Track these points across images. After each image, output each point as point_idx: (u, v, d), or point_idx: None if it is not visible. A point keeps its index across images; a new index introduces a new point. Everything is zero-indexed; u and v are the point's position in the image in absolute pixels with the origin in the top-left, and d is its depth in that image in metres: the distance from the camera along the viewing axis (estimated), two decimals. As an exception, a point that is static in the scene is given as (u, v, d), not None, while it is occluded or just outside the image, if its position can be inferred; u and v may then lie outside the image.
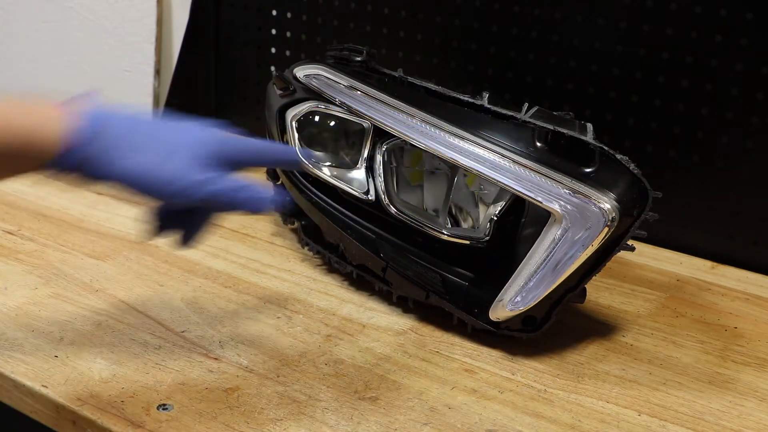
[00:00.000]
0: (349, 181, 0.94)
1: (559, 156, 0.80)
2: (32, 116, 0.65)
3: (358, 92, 0.92)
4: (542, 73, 1.14)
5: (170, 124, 0.70)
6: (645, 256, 1.06)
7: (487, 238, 0.88)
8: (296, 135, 0.97)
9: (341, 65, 0.99)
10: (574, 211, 0.78)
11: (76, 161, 0.65)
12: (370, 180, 0.92)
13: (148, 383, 0.76)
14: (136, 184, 0.66)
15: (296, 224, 1.03)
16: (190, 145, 0.67)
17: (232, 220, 1.11)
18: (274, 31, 1.40)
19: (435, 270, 0.89)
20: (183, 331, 0.85)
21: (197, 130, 0.70)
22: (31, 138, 0.64)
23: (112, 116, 0.67)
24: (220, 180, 0.68)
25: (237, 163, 0.70)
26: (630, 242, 0.81)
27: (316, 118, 0.98)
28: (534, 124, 0.81)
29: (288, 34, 1.38)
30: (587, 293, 0.85)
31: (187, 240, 0.74)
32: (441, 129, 0.84)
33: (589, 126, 0.83)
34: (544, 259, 0.79)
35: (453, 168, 0.93)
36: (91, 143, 0.65)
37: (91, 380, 0.76)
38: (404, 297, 0.90)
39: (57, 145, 0.64)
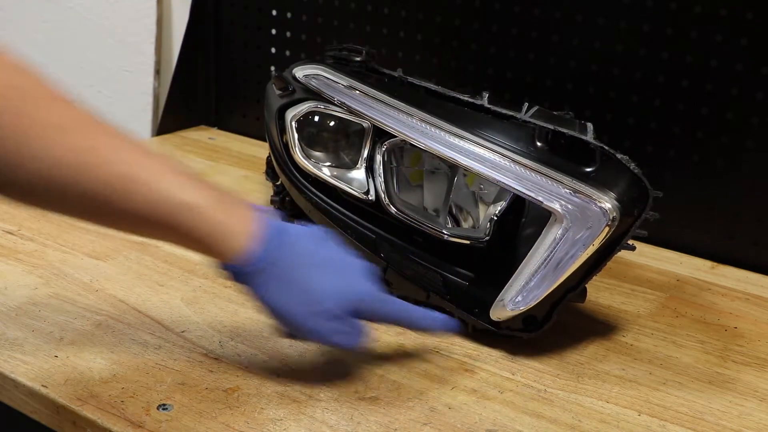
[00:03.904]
0: (349, 181, 0.94)
1: (560, 156, 0.79)
2: (225, 224, 0.69)
3: (358, 92, 0.92)
4: (542, 73, 1.14)
5: (324, 269, 0.74)
6: (645, 256, 1.06)
7: (488, 237, 0.88)
8: (296, 135, 0.97)
9: (341, 65, 0.99)
10: (575, 211, 0.78)
11: (241, 275, 0.71)
12: (370, 180, 0.92)
13: (148, 383, 0.76)
14: (280, 318, 0.73)
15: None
16: (326, 298, 0.73)
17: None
18: (274, 31, 1.40)
19: (435, 270, 0.89)
20: (183, 331, 0.85)
21: (345, 285, 0.74)
22: (217, 243, 0.70)
23: (282, 245, 0.72)
24: (348, 331, 0.75)
25: (374, 319, 0.77)
26: (630, 242, 0.81)
27: (316, 118, 0.98)
28: (534, 123, 0.81)
29: (288, 34, 1.38)
30: (587, 293, 0.85)
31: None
32: (441, 129, 0.84)
33: (590, 126, 0.83)
34: (545, 259, 0.79)
35: (453, 168, 0.93)
36: (261, 271, 0.71)
37: (91, 380, 0.76)
38: (404, 297, 0.90)
39: (235, 258, 0.70)
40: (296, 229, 0.74)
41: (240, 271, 0.71)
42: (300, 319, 0.73)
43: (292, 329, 0.75)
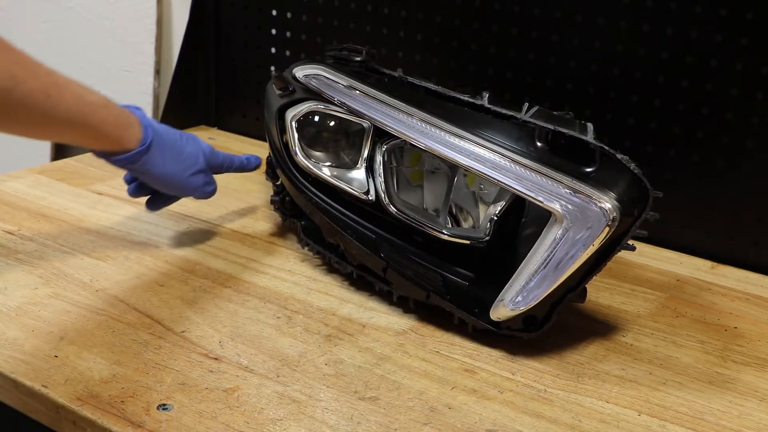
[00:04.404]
0: (349, 181, 0.94)
1: (560, 156, 0.79)
2: (123, 117, 0.89)
3: (358, 92, 0.92)
4: (542, 73, 1.14)
5: (183, 138, 0.97)
6: (645, 256, 1.06)
7: (488, 237, 0.88)
8: (296, 135, 0.97)
9: (341, 65, 0.99)
10: (575, 211, 0.78)
11: (137, 161, 0.91)
12: (370, 180, 0.92)
13: (148, 383, 0.76)
14: (169, 185, 0.97)
15: (296, 224, 1.03)
16: (198, 158, 0.98)
17: (232, 221, 1.11)
18: (274, 31, 1.40)
19: (435, 270, 0.89)
20: (183, 331, 0.85)
21: (199, 146, 0.99)
22: (123, 134, 0.89)
23: (156, 129, 0.93)
24: (211, 181, 1.01)
25: (217, 168, 1.03)
26: (630, 242, 0.81)
27: (316, 118, 0.98)
28: (534, 123, 0.81)
29: (288, 34, 1.38)
30: (587, 293, 0.85)
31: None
32: (441, 129, 0.84)
33: (590, 126, 0.83)
34: (545, 259, 0.79)
35: (453, 168, 0.93)
36: (148, 150, 0.91)
37: (91, 380, 0.76)
38: (405, 297, 0.90)
39: (136, 144, 0.90)
40: (145, 117, 0.93)
41: (138, 154, 0.90)
42: (186, 180, 0.96)
43: (178, 191, 0.98)
